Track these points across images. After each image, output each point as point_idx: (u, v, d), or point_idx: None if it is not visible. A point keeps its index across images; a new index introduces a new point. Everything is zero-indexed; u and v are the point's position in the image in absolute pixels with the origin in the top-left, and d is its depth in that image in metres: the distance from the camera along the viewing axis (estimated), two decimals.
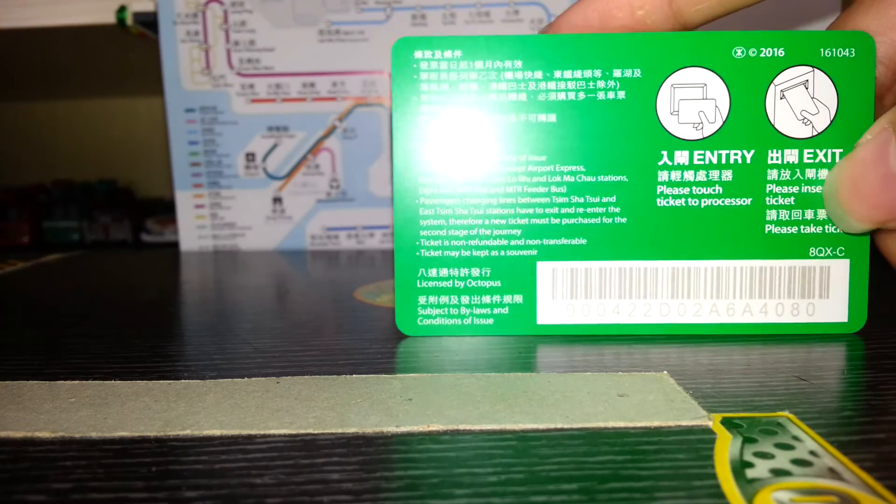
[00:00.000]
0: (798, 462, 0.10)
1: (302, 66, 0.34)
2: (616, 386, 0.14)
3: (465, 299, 0.17)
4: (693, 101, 0.16)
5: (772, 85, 0.16)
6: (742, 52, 0.16)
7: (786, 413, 0.12)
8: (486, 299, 0.17)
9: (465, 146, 0.17)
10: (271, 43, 0.34)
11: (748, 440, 0.11)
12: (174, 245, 0.36)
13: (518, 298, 0.17)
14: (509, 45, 0.16)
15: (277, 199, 0.35)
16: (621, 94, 0.16)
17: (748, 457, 0.10)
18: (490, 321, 0.17)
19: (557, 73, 0.16)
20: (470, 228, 0.17)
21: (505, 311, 0.17)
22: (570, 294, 0.17)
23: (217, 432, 0.12)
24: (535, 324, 0.17)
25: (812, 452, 0.11)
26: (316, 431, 0.12)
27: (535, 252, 0.17)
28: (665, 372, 0.14)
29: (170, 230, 0.61)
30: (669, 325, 0.17)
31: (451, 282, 0.17)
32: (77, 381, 0.14)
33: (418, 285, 0.17)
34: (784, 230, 0.17)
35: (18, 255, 0.33)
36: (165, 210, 0.67)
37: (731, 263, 0.17)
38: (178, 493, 0.10)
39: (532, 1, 0.33)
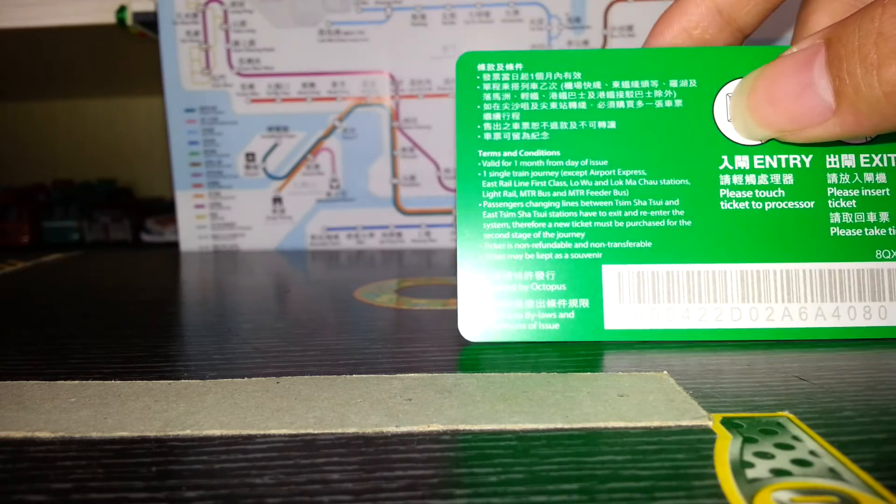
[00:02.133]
0: (798, 462, 0.10)
1: (302, 66, 0.34)
2: (616, 386, 0.14)
3: (529, 304, 0.17)
4: None
5: None
6: None
7: (786, 413, 0.12)
8: (552, 303, 0.17)
9: (527, 152, 0.17)
10: (271, 43, 0.34)
11: (748, 440, 0.11)
12: (174, 245, 0.36)
13: (584, 303, 0.17)
14: (569, 58, 0.17)
15: (277, 199, 0.35)
16: (679, 103, 0.17)
17: (748, 457, 0.10)
18: (556, 326, 0.17)
19: (616, 84, 0.17)
20: (533, 231, 0.17)
21: (571, 315, 0.17)
22: (637, 298, 0.17)
23: (217, 432, 0.12)
24: (603, 329, 0.17)
25: (812, 452, 0.11)
26: (316, 431, 0.12)
27: (599, 255, 0.17)
28: (665, 372, 0.14)
29: (170, 230, 0.61)
30: (742, 331, 0.17)
31: (515, 286, 0.17)
32: (77, 381, 0.14)
33: (482, 289, 0.17)
34: (849, 233, 0.17)
35: (18, 255, 0.33)
36: (165, 210, 0.67)
37: (800, 266, 0.17)
38: (178, 493, 0.10)
39: (532, 1, 0.33)
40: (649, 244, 0.17)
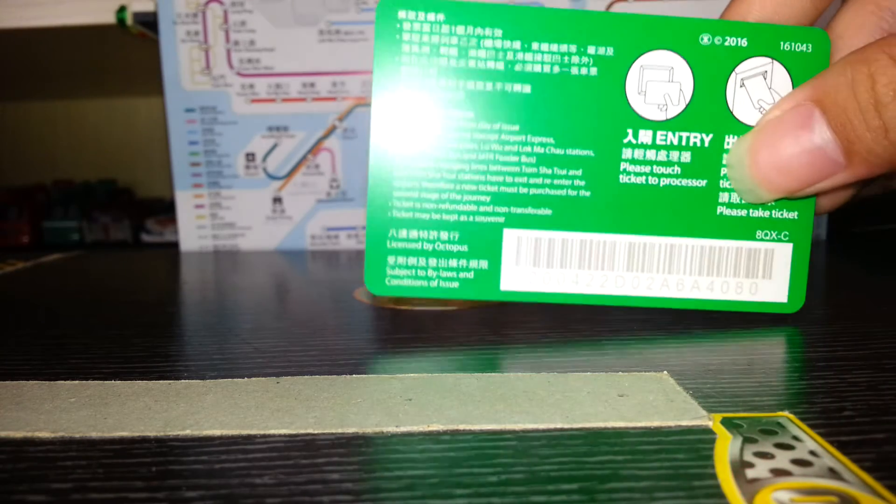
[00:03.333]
0: (798, 462, 0.10)
1: (302, 66, 0.34)
2: (616, 386, 0.14)
3: (432, 262, 0.17)
4: (660, 83, 0.17)
5: (733, 73, 0.17)
6: (708, 39, 0.17)
7: (786, 413, 0.12)
8: (453, 263, 0.17)
9: (442, 111, 0.17)
10: (271, 43, 0.34)
11: (748, 440, 0.11)
12: (174, 245, 0.36)
13: (483, 264, 0.17)
14: (491, 12, 0.17)
15: (277, 199, 0.35)
16: (594, 71, 0.17)
17: (748, 457, 0.10)
18: (455, 284, 0.17)
19: (535, 45, 0.17)
20: (441, 192, 0.17)
21: (470, 275, 0.17)
22: (532, 262, 0.17)
23: (217, 432, 0.12)
24: (499, 290, 0.17)
25: (812, 452, 0.11)
26: (316, 431, 0.12)
27: (502, 219, 0.17)
28: (665, 372, 0.14)
29: (170, 230, 0.61)
30: (624, 297, 0.18)
31: (420, 244, 0.17)
32: (77, 381, 0.14)
33: (388, 245, 0.17)
34: (734, 212, 0.17)
35: (18, 255, 0.33)
36: (165, 210, 0.67)
37: (684, 241, 0.17)
38: (178, 493, 0.10)
39: (532, 1, 0.33)
40: (549, 212, 0.17)
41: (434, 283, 0.17)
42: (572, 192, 0.17)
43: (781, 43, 0.17)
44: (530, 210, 0.17)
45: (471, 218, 0.17)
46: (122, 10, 0.35)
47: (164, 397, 0.13)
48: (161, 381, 0.14)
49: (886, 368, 0.14)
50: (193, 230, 0.35)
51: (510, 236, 0.17)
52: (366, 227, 0.17)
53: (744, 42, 0.17)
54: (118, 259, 0.34)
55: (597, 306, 0.18)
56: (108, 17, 0.35)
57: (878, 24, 0.17)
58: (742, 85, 0.17)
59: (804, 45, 0.17)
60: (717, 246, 0.17)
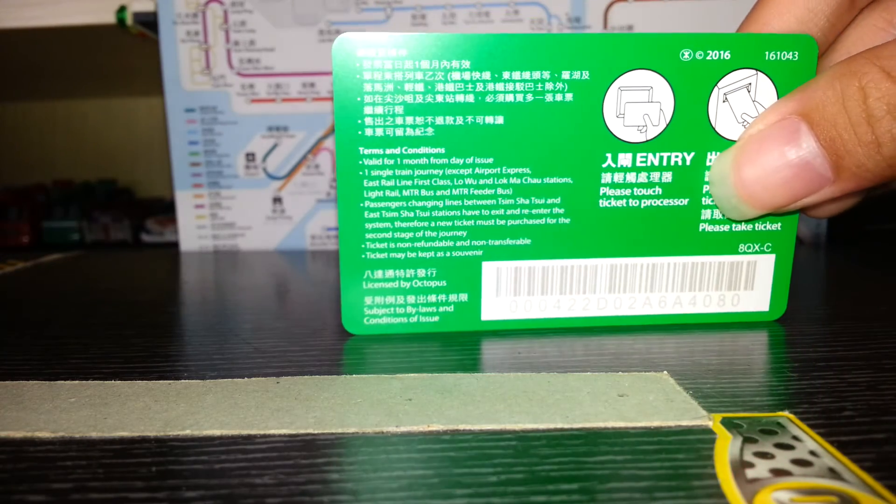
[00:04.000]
0: (798, 462, 0.10)
1: (302, 66, 0.34)
2: (616, 386, 0.14)
3: (410, 299, 0.17)
4: (639, 103, 0.16)
5: (716, 88, 0.16)
6: (689, 55, 0.16)
7: (786, 413, 0.12)
8: (432, 298, 0.17)
9: (412, 149, 0.16)
10: (271, 43, 0.34)
11: (748, 440, 0.11)
12: (174, 245, 0.36)
13: (463, 297, 0.17)
14: (456, 44, 0.16)
15: (277, 199, 0.35)
16: (569, 97, 0.16)
17: (748, 457, 0.10)
18: (436, 318, 0.17)
19: (506, 75, 0.16)
20: (416, 231, 0.17)
21: (450, 308, 0.17)
22: (513, 291, 0.17)
23: (217, 432, 0.12)
24: (480, 320, 0.18)
25: (812, 452, 0.11)
26: (316, 431, 0.12)
27: (480, 253, 0.17)
28: (665, 372, 0.14)
29: (170, 230, 0.61)
30: (606, 318, 0.18)
31: (397, 283, 0.17)
32: (77, 381, 0.14)
33: (364, 286, 0.17)
34: (717, 228, 0.17)
35: (18, 255, 0.33)
36: (165, 210, 0.67)
37: (665, 260, 0.17)
38: (178, 493, 0.10)
39: (532, 1, 0.33)
40: (528, 241, 0.17)
41: (414, 319, 0.17)
42: (551, 221, 0.17)
43: (766, 53, 0.16)
44: (509, 241, 0.17)
45: (448, 253, 0.17)
46: (122, 10, 0.35)
47: (164, 397, 0.13)
48: (161, 381, 0.14)
49: (886, 368, 0.14)
50: (193, 230, 0.35)
51: (489, 269, 0.17)
52: (340, 268, 0.17)
53: (726, 55, 0.16)
54: (118, 259, 0.34)
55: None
56: (108, 17, 0.35)
57: (887, 41, 0.16)
58: (725, 100, 0.16)
59: (790, 53, 0.16)
60: (699, 262, 0.17)
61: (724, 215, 0.17)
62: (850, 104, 0.14)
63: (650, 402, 0.13)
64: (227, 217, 0.35)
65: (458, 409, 0.13)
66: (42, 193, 0.72)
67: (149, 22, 0.35)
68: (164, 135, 0.38)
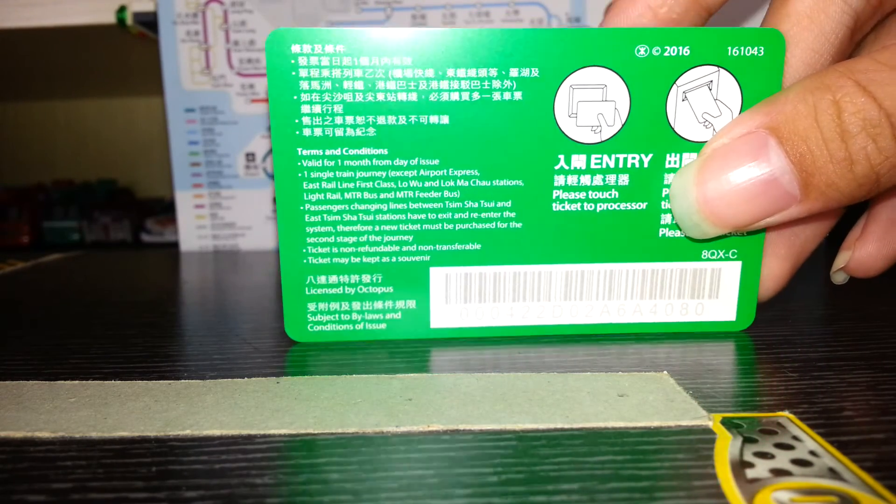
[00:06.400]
0: (798, 462, 0.10)
1: None
2: (616, 386, 0.14)
3: (356, 305, 0.17)
4: (592, 102, 0.16)
5: (674, 86, 0.16)
6: (645, 51, 0.15)
7: (786, 413, 0.12)
8: (378, 305, 0.17)
9: (352, 150, 0.16)
10: None
11: (748, 440, 0.11)
12: (174, 245, 0.36)
13: (411, 304, 0.17)
14: (397, 39, 0.15)
15: None
16: (518, 95, 0.15)
17: (748, 457, 0.10)
18: (383, 326, 0.17)
19: (450, 72, 0.15)
20: (359, 235, 0.16)
21: (398, 315, 0.17)
22: (463, 298, 0.17)
23: (217, 432, 0.12)
24: (429, 328, 0.17)
25: (812, 452, 0.11)
26: (316, 431, 0.12)
27: (427, 258, 0.16)
28: (665, 372, 0.14)
29: (170, 230, 0.61)
30: (562, 327, 0.17)
31: (341, 288, 0.17)
32: (77, 381, 0.14)
33: (307, 292, 0.17)
34: (678, 234, 0.16)
35: (18, 255, 0.33)
36: (165, 210, 0.67)
37: (624, 266, 0.17)
38: (178, 493, 0.10)
39: (532, 1, 0.33)
40: (478, 246, 0.16)
41: (360, 326, 0.17)
42: (502, 225, 0.16)
43: (729, 48, 0.15)
44: (457, 246, 0.16)
45: (394, 259, 0.16)
46: (122, 10, 0.35)
47: (164, 397, 0.13)
48: (161, 381, 0.14)
49: (886, 368, 0.14)
50: (193, 230, 0.35)
51: (437, 274, 0.17)
52: (280, 274, 0.16)
53: (686, 51, 0.15)
54: (118, 259, 0.34)
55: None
56: (108, 17, 0.35)
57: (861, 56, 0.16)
58: (685, 99, 0.16)
59: (755, 48, 0.15)
60: (659, 269, 0.17)
61: (683, 234, 0.16)
62: (823, 119, 0.13)
63: (650, 402, 0.13)
64: (227, 217, 0.35)
65: (458, 409, 0.13)
66: (42, 193, 0.72)
67: (149, 22, 0.35)
68: (164, 135, 0.38)
